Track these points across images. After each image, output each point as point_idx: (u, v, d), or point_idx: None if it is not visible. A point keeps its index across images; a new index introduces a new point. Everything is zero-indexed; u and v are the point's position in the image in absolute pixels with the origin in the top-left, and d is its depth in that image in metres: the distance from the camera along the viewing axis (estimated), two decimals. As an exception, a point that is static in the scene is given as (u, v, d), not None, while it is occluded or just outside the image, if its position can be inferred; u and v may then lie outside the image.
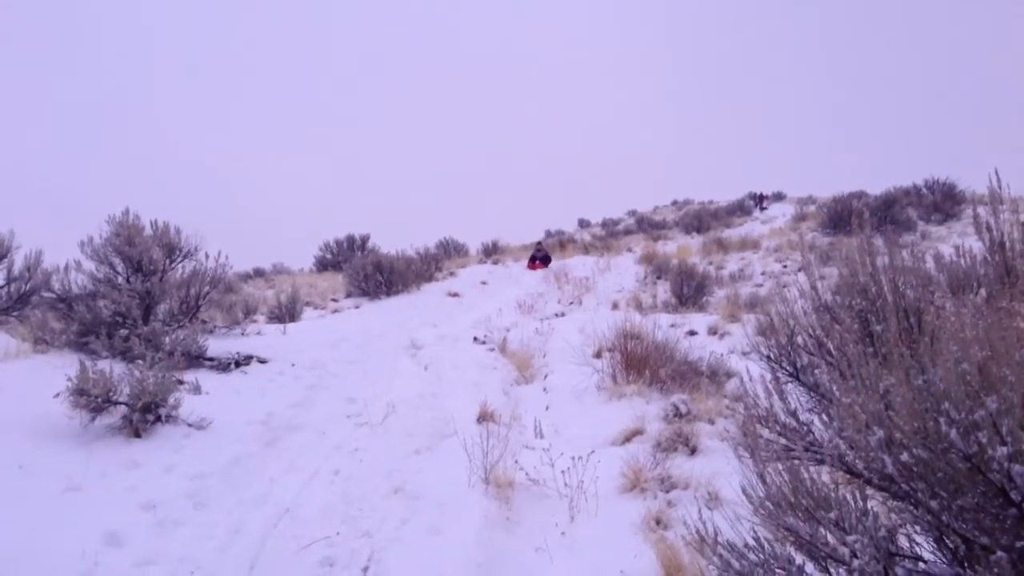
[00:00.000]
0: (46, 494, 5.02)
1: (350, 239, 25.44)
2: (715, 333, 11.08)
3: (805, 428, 3.27)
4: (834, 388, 3.00)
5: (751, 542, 2.83)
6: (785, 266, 17.73)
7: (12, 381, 6.75)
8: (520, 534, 5.09)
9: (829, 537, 2.42)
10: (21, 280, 10.06)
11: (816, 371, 3.54)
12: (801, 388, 3.63)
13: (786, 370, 3.72)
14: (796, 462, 2.83)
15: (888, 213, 19.77)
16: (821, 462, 3.02)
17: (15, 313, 10.07)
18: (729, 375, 8.20)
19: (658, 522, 4.86)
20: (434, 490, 5.73)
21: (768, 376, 3.39)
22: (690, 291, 14.60)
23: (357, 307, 16.43)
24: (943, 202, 21.46)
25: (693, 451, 5.95)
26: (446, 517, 5.26)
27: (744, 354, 9.32)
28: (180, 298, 9.65)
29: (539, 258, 24.16)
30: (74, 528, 4.63)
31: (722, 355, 9.02)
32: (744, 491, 2.92)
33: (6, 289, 10.04)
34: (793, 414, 3.30)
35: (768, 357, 3.79)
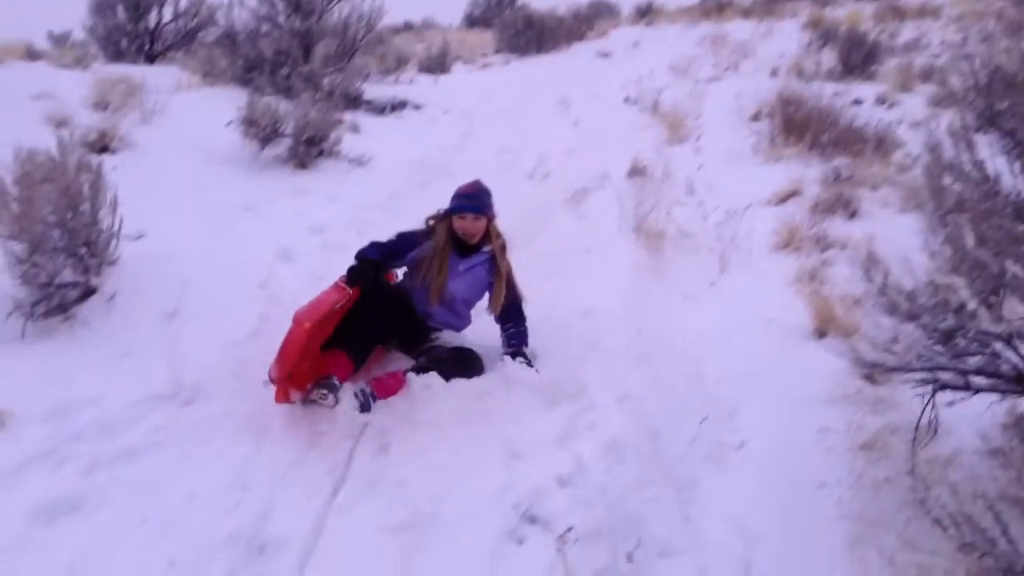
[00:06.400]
0: (225, 211, 5.40)
1: (501, -6, 24.70)
2: (883, 103, 10.40)
3: (992, 180, 3.08)
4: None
5: (922, 287, 2.77)
6: (966, 37, 16.20)
7: (187, 110, 7.10)
8: (669, 282, 5.15)
9: (1020, 271, 2.33)
10: (187, 16, 10.38)
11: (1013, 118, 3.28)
12: (994, 134, 3.39)
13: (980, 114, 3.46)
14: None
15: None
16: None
17: (183, 49, 10.47)
18: (897, 144, 7.77)
19: (812, 278, 4.82)
20: (583, 237, 5.81)
21: (957, 123, 3.18)
22: (858, 59, 13.63)
23: (506, 64, 16.23)
24: None
25: (853, 214, 5.77)
26: (595, 262, 5.36)
27: (915, 124, 8.82)
28: (337, 41, 9.73)
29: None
30: (251, 242, 4.98)
31: (890, 123, 8.53)
32: (923, 237, 2.83)
33: (173, 25, 10.40)
34: (979, 164, 3.11)
35: (959, 100, 3.53)
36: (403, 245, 4.01)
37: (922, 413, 2.88)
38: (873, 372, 3.37)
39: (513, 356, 3.92)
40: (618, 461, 3.10)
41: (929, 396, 2.85)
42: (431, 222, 4.04)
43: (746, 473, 3.07)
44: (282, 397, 3.18)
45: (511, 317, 4.11)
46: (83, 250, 3.87)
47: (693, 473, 3.08)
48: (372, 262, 3.80)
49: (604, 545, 2.60)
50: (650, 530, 2.72)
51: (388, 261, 3.97)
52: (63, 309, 3.79)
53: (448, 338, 4.05)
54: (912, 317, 2.72)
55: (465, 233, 3.96)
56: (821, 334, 4.10)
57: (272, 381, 3.21)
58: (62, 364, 3.46)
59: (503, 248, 4.10)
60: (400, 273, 4.21)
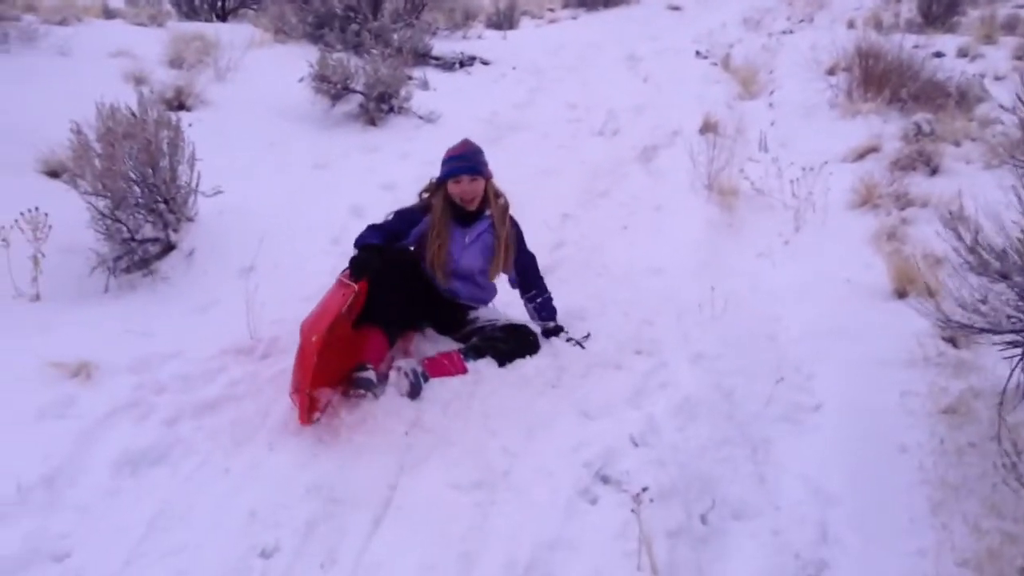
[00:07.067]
0: (298, 168, 5.49)
1: (568, -54, 24.26)
2: (965, 55, 10.01)
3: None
4: None
5: (1013, 245, 2.67)
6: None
7: (259, 67, 7.18)
8: (742, 240, 5.08)
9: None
10: (258, -27, 10.46)
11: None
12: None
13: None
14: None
15: None
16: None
17: (254, 6, 10.56)
18: (980, 99, 7.47)
19: (891, 236, 4.68)
20: (654, 194, 5.75)
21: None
22: (939, 10, 13.12)
23: (574, 18, 16.00)
24: None
25: (934, 171, 5.59)
26: (666, 219, 5.31)
27: (999, 78, 8.48)
28: (406, -4, 9.73)
29: None
30: (324, 198, 5.05)
31: (973, 77, 8.21)
32: (1014, 193, 2.73)
33: (243, -20, 10.50)
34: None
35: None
36: (403, 224, 3.64)
37: (1010, 376, 2.79)
38: (958, 334, 3.28)
39: (556, 332, 3.69)
40: (691, 420, 3.08)
41: (1018, 359, 2.76)
42: (425, 195, 3.72)
43: (822, 435, 3.02)
44: (305, 418, 2.89)
45: (530, 283, 3.84)
46: (163, 206, 3.96)
47: (768, 433, 3.04)
48: (375, 248, 3.41)
49: (678, 505, 2.59)
50: (724, 491, 2.70)
51: (391, 244, 3.55)
52: (144, 264, 3.90)
53: (488, 315, 3.70)
54: (1003, 276, 2.63)
55: (463, 198, 3.60)
56: (901, 294, 4.01)
57: (293, 399, 2.94)
58: (144, 318, 3.55)
59: (504, 210, 3.75)
60: None
